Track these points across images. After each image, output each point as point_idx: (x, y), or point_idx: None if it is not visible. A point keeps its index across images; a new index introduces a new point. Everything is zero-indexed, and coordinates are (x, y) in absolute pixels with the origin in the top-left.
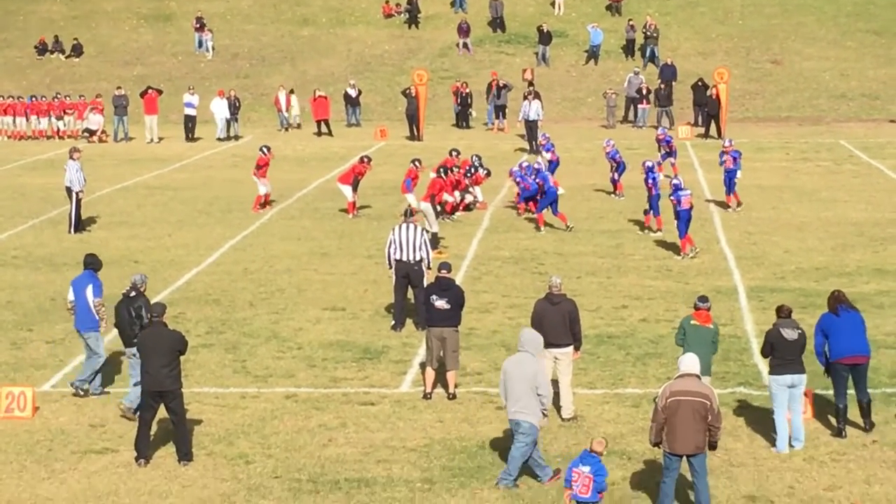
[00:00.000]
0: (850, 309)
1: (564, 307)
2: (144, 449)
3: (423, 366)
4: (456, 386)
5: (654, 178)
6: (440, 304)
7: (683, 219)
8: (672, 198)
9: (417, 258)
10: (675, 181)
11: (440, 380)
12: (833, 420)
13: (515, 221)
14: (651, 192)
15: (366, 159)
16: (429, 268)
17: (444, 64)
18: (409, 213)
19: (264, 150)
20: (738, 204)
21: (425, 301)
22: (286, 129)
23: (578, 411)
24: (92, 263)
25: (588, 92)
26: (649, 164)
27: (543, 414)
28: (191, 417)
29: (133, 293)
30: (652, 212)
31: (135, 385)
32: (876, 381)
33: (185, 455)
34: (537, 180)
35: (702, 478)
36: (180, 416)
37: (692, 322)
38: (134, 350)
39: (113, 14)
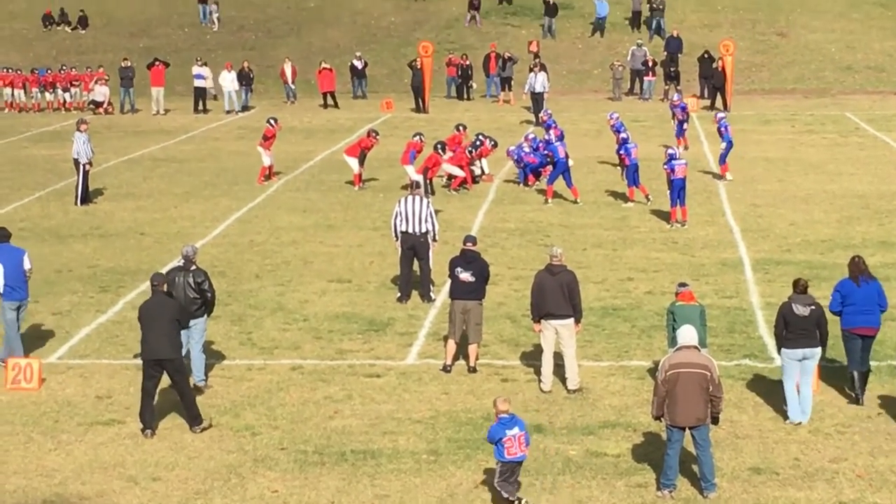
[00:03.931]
0: (870, 279)
1: (563, 278)
2: (150, 420)
3: (445, 338)
4: (477, 358)
5: (626, 149)
6: (465, 276)
7: (676, 187)
8: (666, 167)
9: (423, 230)
10: (670, 151)
11: (460, 352)
12: (837, 392)
13: (521, 193)
14: (625, 163)
15: (373, 133)
16: (435, 240)
17: (449, 36)
18: (416, 186)
19: (272, 121)
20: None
21: (450, 273)
22: (292, 101)
23: (584, 383)
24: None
25: (594, 64)
26: (624, 135)
27: None
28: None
29: (193, 266)
30: (626, 182)
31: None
32: (882, 354)
33: (195, 419)
34: (546, 152)
35: (705, 450)
36: (183, 384)
37: (678, 304)
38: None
39: None
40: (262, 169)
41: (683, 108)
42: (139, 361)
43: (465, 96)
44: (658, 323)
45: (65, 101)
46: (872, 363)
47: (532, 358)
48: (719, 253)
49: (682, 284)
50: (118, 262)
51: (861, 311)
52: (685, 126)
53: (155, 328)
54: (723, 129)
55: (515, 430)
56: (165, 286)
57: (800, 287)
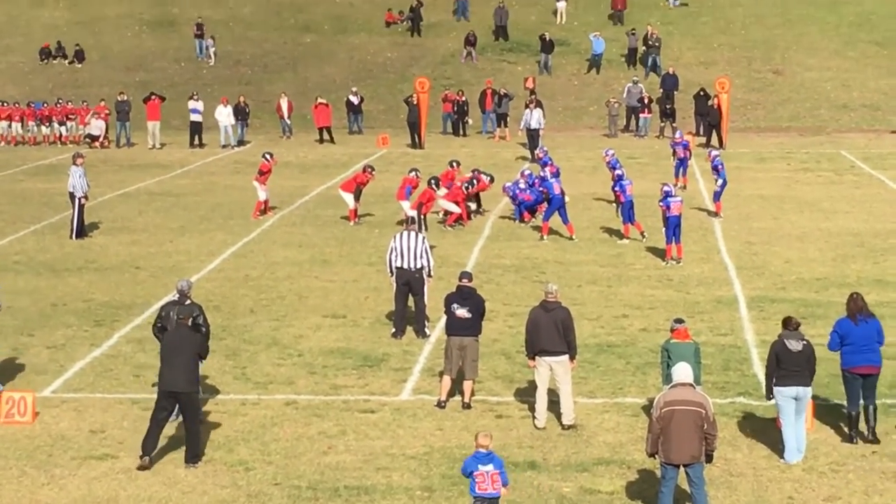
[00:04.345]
0: (869, 318)
1: (558, 315)
2: (151, 448)
3: (441, 374)
4: (472, 395)
5: (622, 186)
6: (461, 312)
7: (672, 224)
8: (661, 203)
9: (418, 266)
10: (665, 188)
11: (455, 388)
12: (832, 430)
13: (517, 230)
14: (620, 200)
15: (369, 169)
16: (430, 276)
17: (445, 72)
18: (411, 221)
19: (267, 156)
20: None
21: (446, 310)
22: (288, 136)
23: (578, 420)
24: None
25: (590, 101)
26: (619, 172)
27: None
28: None
29: (187, 300)
30: (623, 219)
31: None
32: (876, 392)
33: (193, 457)
34: (542, 188)
35: (699, 488)
36: (194, 419)
37: (673, 341)
38: None
39: (116, 20)
40: (257, 203)
41: (685, 146)
42: (133, 395)
43: (461, 132)
44: (653, 360)
45: (61, 135)
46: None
47: (526, 394)
48: (714, 290)
49: (678, 321)
50: (113, 296)
51: (860, 351)
52: (687, 164)
53: (174, 361)
54: (718, 167)
55: (489, 467)
56: (191, 320)
57: (792, 324)
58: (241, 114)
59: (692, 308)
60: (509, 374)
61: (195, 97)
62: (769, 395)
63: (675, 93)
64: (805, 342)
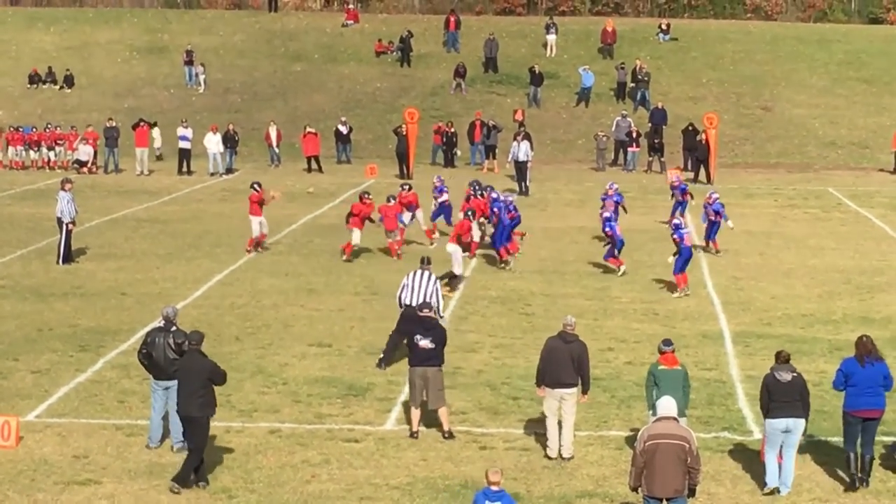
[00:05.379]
0: (875, 361)
1: (575, 348)
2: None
3: (406, 406)
4: (451, 424)
5: (611, 227)
6: (424, 343)
7: (684, 256)
8: (675, 236)
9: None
10: (675, 221)
11: (425, 418)
12: (817, 466)
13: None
14: (613, 241)
15: (366, 197)
16: (441, 316)
17: (435, 103)
18: (427, 262)
19: (256, 186)
20: (717, 251)
21: (408, 341)
22: (276, 165)
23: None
24: None
25: (578, 134)
26: (607, 215)
27: None
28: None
29: (173, 327)
30: (612, 249)
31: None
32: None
33: (182, 480)
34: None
35: None
36: (197, 444)
37: (661, 367)
38: (166, 384)
39: (106, 46)
40: (260, 236)
41: (683, 191)
42: (117, 421)
43: (451, 164)
44: (637, 393)
45: (49, 160)
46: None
47: (511, 426)
48: (700, 325)
49: (667, 342)
50: (99, 321)
51: (863, 393)
52: (686, 206)
53: (185, 386)
54: (720, 210)
55: None
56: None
57: (782, 357)
58: (229, 141)
59: (678, 342)
60: (493, 405)
61: (184, 124)
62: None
63: (664, 127)
64: (795, 374)
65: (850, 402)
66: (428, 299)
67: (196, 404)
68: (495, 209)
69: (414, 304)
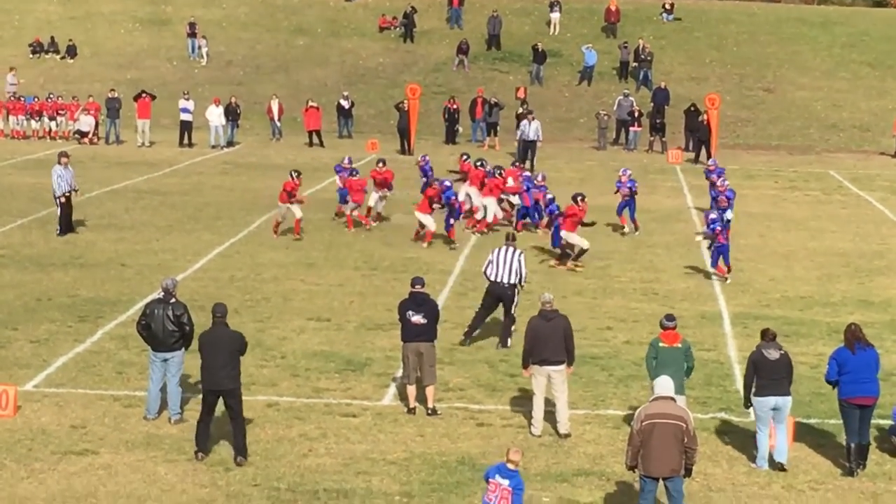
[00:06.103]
0: (867, 347)
1: (559, 323)
2: (204, 443)
3: (400, 382)
4: (437, 401)
5: (712, 229)
6: (417, 318)
7: (720, 251)
8: (707, 230)
9: (512, 282)
10: (712, 216)
11: (420, 395)
12: (812, 448)
13: (503, 239)
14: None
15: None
16: (521, 286)
17: (437, 79)
18: (511, 238)
19: (293, 174)
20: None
21: (401, 317)
22: (278, 138)
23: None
24: None
25: (580, 112)
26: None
27: None
28: (173, 424)
29: (172, 299)
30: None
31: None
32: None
33: (240, 450)
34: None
35: (678, 501)
36: (238, 414)
37: (661, 344)
38: (164, 355)
39: (109, 16)
40: (295, 221)
41: (720, 173)
42: (115, 392)
43: (453, 140)
44: (635, 372)
45: (50, 130)
46: None
47: (509, 403)
48: (699, 305)
49: (669, 318)
50: (98, 292)
51: (858, 381)
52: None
53: (215, 359)
54: (730, 197)
55: (505, 482)
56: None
57: (769, 335)
58: (231, 114)
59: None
60: (492, 382)
61: (186, 96)
62: (747, 404)
63: (666, 107)
64: (782, 352)
65: (845, 389)
66: (513, 275)
67: (230, 376)
68: (531, 190)
69: (499, 280)
